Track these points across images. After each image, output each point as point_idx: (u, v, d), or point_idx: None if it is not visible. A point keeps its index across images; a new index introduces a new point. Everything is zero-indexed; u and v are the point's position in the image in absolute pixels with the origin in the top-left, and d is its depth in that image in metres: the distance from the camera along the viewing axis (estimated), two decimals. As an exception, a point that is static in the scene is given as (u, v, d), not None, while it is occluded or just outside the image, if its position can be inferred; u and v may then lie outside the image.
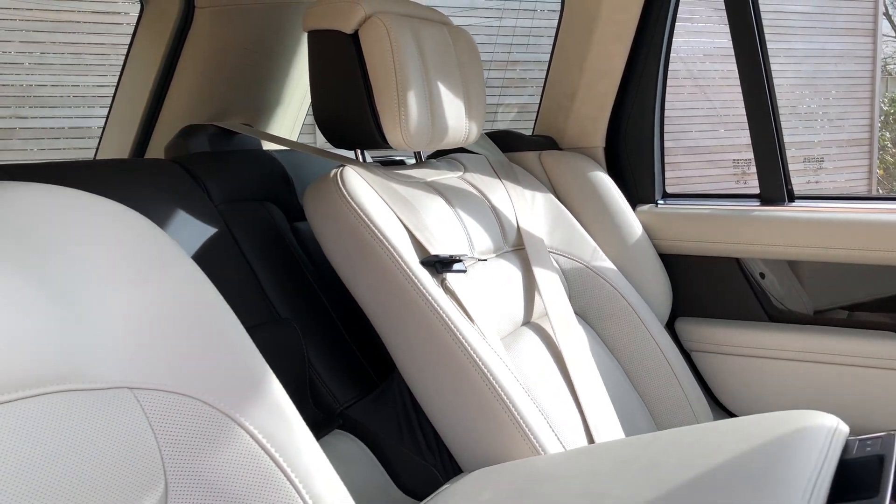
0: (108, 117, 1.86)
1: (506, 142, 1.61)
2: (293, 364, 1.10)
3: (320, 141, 4.52)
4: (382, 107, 1.18)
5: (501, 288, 1.26)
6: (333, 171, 1.14)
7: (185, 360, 0.67)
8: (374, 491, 1.08)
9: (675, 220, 1.61)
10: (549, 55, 1.72)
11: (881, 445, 0.64)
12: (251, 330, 0.74)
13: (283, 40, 1.72)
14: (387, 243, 1.06)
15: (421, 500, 0.94)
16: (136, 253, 0.70)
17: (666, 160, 1.74)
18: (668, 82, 1.68)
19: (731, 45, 1.53)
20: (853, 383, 1.44)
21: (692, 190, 5.96)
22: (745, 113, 1.55)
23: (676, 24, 1.65)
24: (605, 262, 1.48)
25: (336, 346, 1.21)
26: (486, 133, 1.59)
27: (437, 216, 1.21)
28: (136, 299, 0.67)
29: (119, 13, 4.43)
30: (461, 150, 1.52)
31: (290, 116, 1.85)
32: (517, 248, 1.37)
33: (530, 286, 1.32)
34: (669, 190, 1.71)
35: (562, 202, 1.54)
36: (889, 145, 7.60)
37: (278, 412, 0.71)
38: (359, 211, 1.07)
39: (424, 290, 1.04)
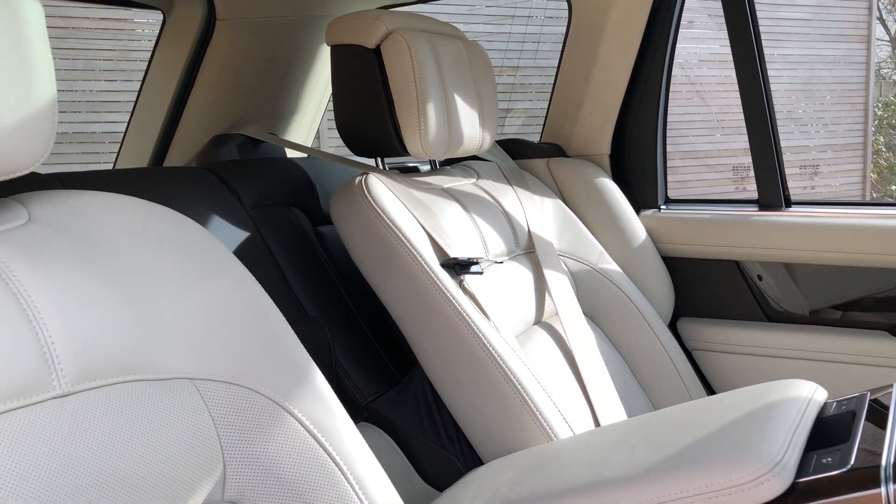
0: (128, 125, 1.93)
1: (515, 149, 1.68)
2: (321, 360, 1.17)
3: (320, 147, 4.58)
4: (403, 117, 1.25)
5: (514, 289, 1.33)
6: (358, 179, 1.21)
7: (238, 354, 0.74)
8: (398, 480, 1.15)
9: (677, 225, 1.68)
10: (545, 60, 1.79)
11: (855, 403, 0.71)
12: None
13: (301, 52, 1.79)
14: (410, 247, 1.13)
15: (442, 490, 1.01)
16: (191, 256, 0.77)
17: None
18: (666, 88, 1.75)
19: (726, 51, 1.59)
20: (847, 379, 1.51)
21: (689, 194, 6.05)
22: (740, 118, 1.62)
23: (674, 30, 1.72)
24: (610, 265, 1.55)
25: (360, 344, 1.28)
26: (496, 141, 1.66)
27: (453, 221, 1.28)
28: (195, 298, 0.73)
29: (126, 20, 4.49)
30: (474, 157, 1.59)
31: (306, 125, 1.92)
32: (528, 251, 1.44)
33: (541, 287, 1.39)
34: (669, 195, 1.79)
35: (569, 207, 1.61)
36: (883, 150, 7.68)
37: (322, 401, 0.78)
38: (384, 216, 1.15)
39: (446, 291, 1.11)
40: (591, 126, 1.74)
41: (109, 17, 4.34)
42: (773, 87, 1.62)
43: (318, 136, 4.37)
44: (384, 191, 1.19)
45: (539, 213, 1.51)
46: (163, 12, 1.82)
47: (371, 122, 1.29)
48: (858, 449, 0.64)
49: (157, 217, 0.78)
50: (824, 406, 0.74)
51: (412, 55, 1.24)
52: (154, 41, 1.84)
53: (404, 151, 1.29)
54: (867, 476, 0.60)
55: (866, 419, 0.68)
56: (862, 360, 1.49)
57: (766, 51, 1.61)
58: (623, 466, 0.69)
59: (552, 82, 1.82)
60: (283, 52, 1.77)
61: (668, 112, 1.75)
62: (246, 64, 1.77)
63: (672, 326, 1.69)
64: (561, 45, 1.77)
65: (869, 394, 0.74)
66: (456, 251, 1.20)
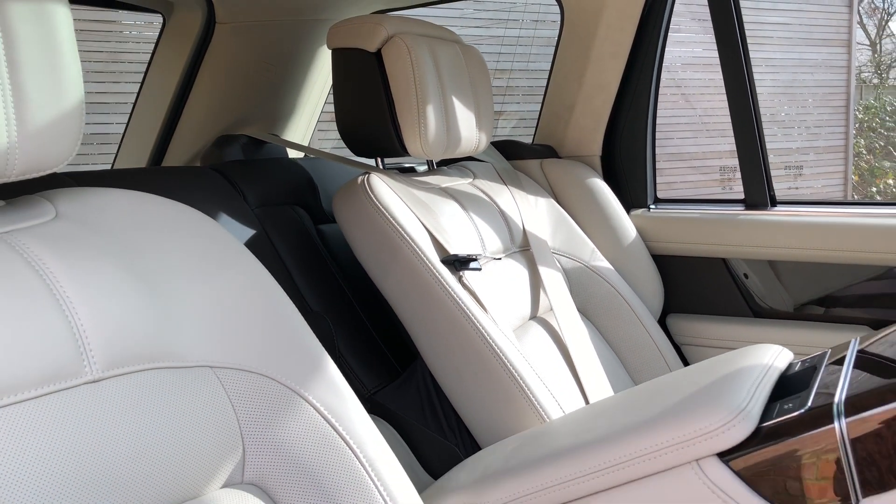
0: (127, 126, 1.96)
1: (509, 151, 1.73)
2: (326, 353, 1.20)
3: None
4: (404, 119, 1.29)
5: (511, 285, 1.37)
6: (360, 178, 1.25)
7: (255, 343, 0.78)
8: (401, 469, 1.18)
9: (666, 224, 1.74)
10: (533, 63, 1.83)
11: (816, 360, 0.77)
12: None
13: (300, 55, 1.83)
14: (412, 243, 1.17)
15: None
16: (208, 251, 0.81)
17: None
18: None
19: (709, 55, 1.65)
20: (830, 373, 1.56)
21: (674, 195, 6.12)
22: (723, 121, 1.68)
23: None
24: (602, 262, 1.60)
25: (362, 337, 1.32)
26: (491, 142, 1.71)
27: (452, 219, 1.32)
28: (213, 290, 0.77)
29: (115, 21, 4.50)
30: (469, 158, 1.64)
31: (303, 126, 1.96)
32: (523, 248, 1.48)
33: (536, 284, 1.44)
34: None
35: (562, 207, 1.66)
36: (864, 152, 7.79)
37: (334, 387, 0.81)
38: (386, 214, 1.19)
39: (447, 285, 1.16)
40: (583, 128, 1.78)
41: (98, 19, 4.35)
42: (757, 90, 1.68)
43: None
44: (386, 189, 1.23)
45: (533, 212, 1.55)
46: (163, 15, 1.85)
47: (372, 123, 1.33)
48: (815, 394, 0.69)
49: (175, 213, 0.82)
50: (789, 365, 0.80)
51: (412, 59, 1.29)
52: (141, 43, 1.87)
53: (404, 152, 1.33)
54: (821, 414, 0.65)
55: (825, 370, 0.73)
56: None
57: (749, 54, 1.66)
58: (602, 430, 0.74)
59: (538, 85, 1.87)
60: (281, 54, 1.81)
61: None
62: (245, 66, 1.80)
63: (662, 322, 1.74)
64: (544, 48, 1.82)
65: (830, 351, 0.79)
66: (455, 248, 1.25)
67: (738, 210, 1.70)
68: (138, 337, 0.68)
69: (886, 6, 11.27)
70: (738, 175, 1.69)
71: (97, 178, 1.12)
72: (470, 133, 1.41)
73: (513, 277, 1.39)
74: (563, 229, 1.59)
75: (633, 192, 1.80)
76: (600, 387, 1.32)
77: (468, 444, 1.19)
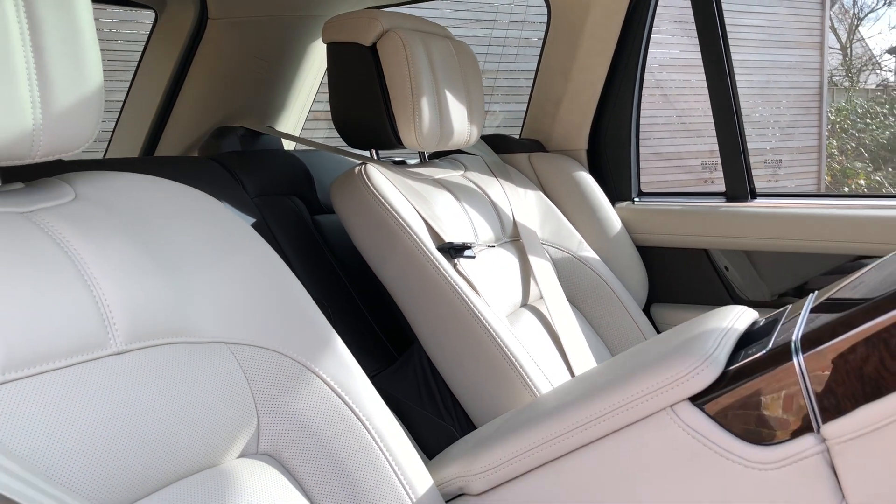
0: (118, 119, 1.97)
1: (498, 144, 1.77)
2: (324, 339, 1.23)
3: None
4: (399, 111, 1.33)
5: (502, 273, 1.41)
6: (357, 168, 1.28)
7: (266, 321, 0.81)
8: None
9: (650, 216, 1.79)
10: (512, 64, 1.88)
11: (779, 314, 0.82)
12: None
13: (291, 50, 1.86)
14: (410, 231, 1.21)
15: None
16: (220, 232, 0.84)
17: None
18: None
19: (686, 56, 1.70)
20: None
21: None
22: (699, 121, 1.74)
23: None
24: (589, 253, 1.64)
25: (359, 324, 1.35)
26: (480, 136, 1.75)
27: (446, 208, 1.36)
28: (226, 271, 0.80)
29: (97, 19, 4.48)
30: (458, 151, 1.68)
31: (294, 119, 1.99)
32: (514, 238, 1.53)
33: (526, 273, 1.48)
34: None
35: (550, 199, 1.70)
36: (836, 153, 7.95)
37: (343, 363, 0.85)
38: (384, 203, 1.22)
39: (444, 271, 1.20)
40: (570, 123, 1.83)
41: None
42: (737, 87, 1.74)
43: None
44: (383, 179, 1.27)
45: (523, 203, 1.60)
46: (155, 11, 1.87)
47: (367, 115, 1.36)
48: (776, 338, 0.75)
49: (188, 197, 0.85)
50: (754, 322, 0.86)
51: (407, 53, 1.32)
52: (119, 41, 1.89)
53: (399, 143, 1.37)
54: (781, 352, 0.70)
55: (784, 320, 0.79)
56: None
57: (731, 53, 1.72)
58: (584, 390, 0.79)
59: (518, 85, 1.91)
60: (273, 49, 1.84)
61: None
62: (237, 61, 1.83)
63: (646, 311, 1.79)
64: (523, 49, 1.87)
65: (790, 307, 0.84)
66: (450, 236, 1.28)
67: (720, 202, 1.76)
68: (158, 313, 0.71)
69: (856, 11, 11.50)
70: (712, 174, 1.74)
71: (101, 165, 1.14)
72: (462, 126, 1.45)
73: (504, 266, 1.43)
74: (551, 220, 1.64)
75: (618, 185, 1.85)
76: (587, 369, 1.36)
77: (464, 425, 1.23)
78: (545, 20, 1.82)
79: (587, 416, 0.75)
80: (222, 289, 0.79)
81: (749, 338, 0.79)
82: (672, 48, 6.45)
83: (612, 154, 1.85)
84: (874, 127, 7.82)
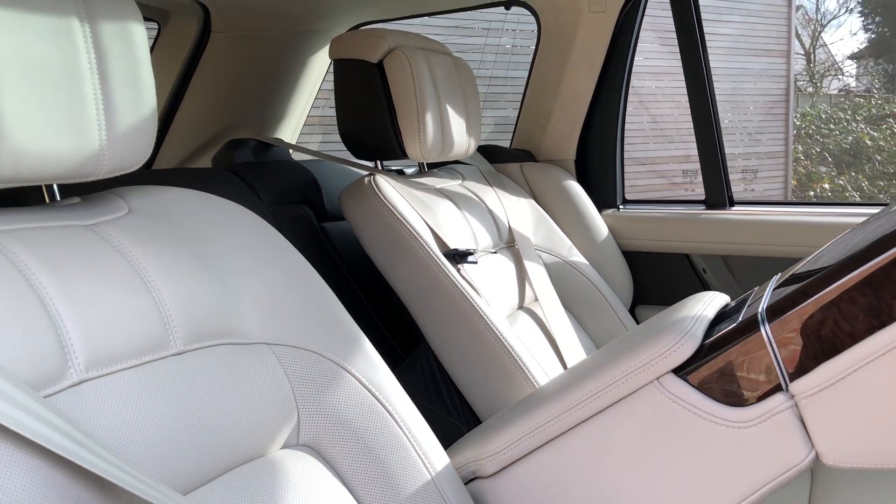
0: (119, 128, 2.01)
1: (491, 154, 1.85)
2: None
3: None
4: (404, 125, 1.41)
5: (501, 278, 1.50)
6: (367, 179, 1.36)
7: (303, 323, 0.88)
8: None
9: (635, 222, 1.89)
10: (488, 70, 1.95)
11: (747, 295, 0.92)
12: None
13: (291, 62, 1.92)
14: (420, 239, 1.29)
15: None
16: (259, 242, 0.91)
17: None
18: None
19: (663, 64, 1.80)
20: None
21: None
22: (671, 127, 1.84)
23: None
24: (578, 258, 1.74)
25: (367, 327, 1.42)
26: (474, 147, 1.83)
27: (448, 217, 1.44)
28: (266, 278, 0.88)
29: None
30: (455, 161, 1.76)
31: (291, 129, 2.06)
32: (510, 244, 1.61)
33: (522, 277, 1.57)
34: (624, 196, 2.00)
35: (541, 206, 1.79)
36: (801, 157, 8.16)
37: (371, 361, 0.92)
38: (395, 212, 1.30)
39: (451, 276, 1.28)
40: (559, 133, 1.93)
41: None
42: (717, 100, 1.84)
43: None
44: (391, 189, 1.35)
45: (517, 211, 1.68)
46: (158, 24, 1.92)
47: (373, 128, 1.44)
48: (745, 312, 0.84)
49: (229, 210, 0.92)
50: (726, 304, 0.95)
51: (413, 70, 1.40)
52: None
53: (403, 155, 1.44)
54: (749, 323, 0.80)
55: (752, 299, 0.89)
56: None
57: (711, 68, 1.82)
58: (578, 375, 0.88)
59: (500, 92, 2.01)
60: (273, 62, 1.90)
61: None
62: (238, 73, 1.89)
63: (631, 312, 1.89)
64: (501, 57, 1.96)
65: (757, 288, 0.94)
66: (454, 243, 1.37)
67: (700, 210, 1.86)
68: (209, 316, 0.78)
69: (819, 17, 11.79)
70: (681, 180, 1.85)
71: (129, 178, 1.20)
72: (462, 138, 1.53)
73: (502, 271, 1.52)
74: (543, 227, 1.72)
75: (604, 192, 1.95)
76: (583, 369, 1.46)
77: (470, 421, 1.31)
78: (519, 26, 1.91)
79: (583, 394, 0.84)
80: (263, 294, 0.86)
81: (722, 316, 0.89)
82: (646, 56, 6.59)
83: (598, 164, 1.95)
84: (837, 132, 8.03)
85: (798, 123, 8.29)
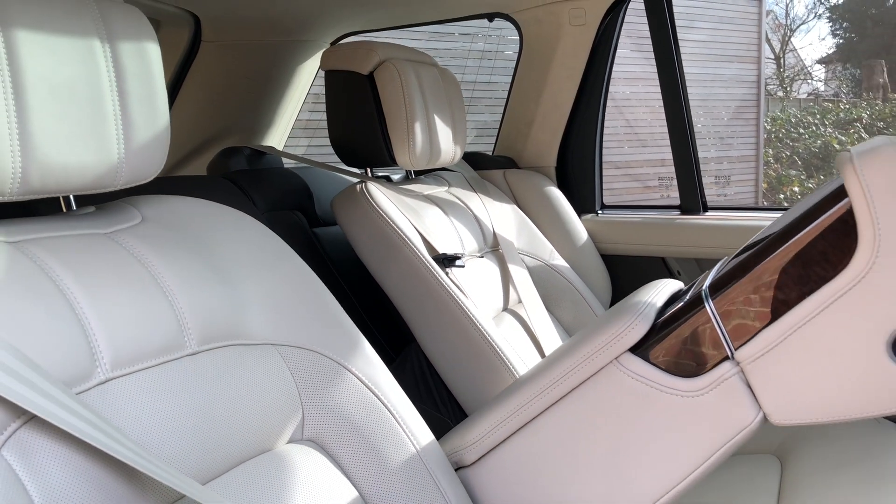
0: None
1: (475, 161, 1.92)
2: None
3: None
4: (394, 134, 1.47)
5: (486, 280, 1.56)
6: (359, 186, 1.41)
7: (306, 325, 0.93)
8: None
9: (613, 227, 1.96)
10: (461, 75, 2.00)
11: (697, 279, 0.99)
12: None
13: (280, 71, 1.97)
14: (410, 243, 1.35)
15: None
16: (263, 248, 0.96)
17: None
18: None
19: (634, 70, 1.87)
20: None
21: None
22: (647, 133, 1.92)
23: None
24: (559, 261, 1.80)
25: (359, 327, 1.47)
26: (458, 154, 1.89)
27: (436, 222, 1.50)
28: (270, 282, 0.93)
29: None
30: (441, 168, 1.82)
31: (279, 135, 2.11)
32: (494, 249, 1.67)
33: (506, 280, 1.63)
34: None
35: (523, 212, 1.86)
36: (772, 161, 8.32)
37: (370, 360, 0.97)
38: (386, 218, 1.36)
39: (440, 279, 1.34)
40: (541, 142, 2.00)
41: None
42: (691, 111, 1.92)
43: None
44: (382, 196, 1.40)
45: (500, 216, 1.75)
46: (148, 32, 1.95)
47: (364, 137, 1.49)
48: (692, 291, 0.92)
49: (234, 218, 0.97)
50: (679, 289, 1.03)
51: (402, 81, 1.46)
52: None
53: (393, 162, 1.50)
54: (695, 300, 0.87)
55: (700, 280, 0.97)
56: None
57: (686, 80, 1.90)
58: (547, 362, 0.96)
59: (479, 97, 2.07)
60: (262, 71, 1.95)
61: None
62: (227, 81, 1.94)
63: (610, 314, 1.95)
64: (477, 63, 2.02)
65: (707, 273, 1.02)
66: (442, 247, 1.43)
67: (675, 215, 1.94)
68: (220, 318, 0.83)
69: (789, 22, 12.01)
70: (656, 184, 1.93)
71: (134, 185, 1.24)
72: (448, 146, 1.59)
73: (488, 274, 1.58)
74: (525, 232, 1.79)
75: (584, 198, 2.02)
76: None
77: (459, 417, 1.37)
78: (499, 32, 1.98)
79: (550, 379, 0.91)
80: (268, 297, 0.91)
81: (674, 298, 0.96)
82: (619, 63, 6.67)
83: (578, 171, 2.02)
84: (807, 136, 8.20)
85: (769, 128, 8.44)
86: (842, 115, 8.43)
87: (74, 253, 0.75)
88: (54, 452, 0.62)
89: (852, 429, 1.36)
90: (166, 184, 1.29)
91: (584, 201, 2.01)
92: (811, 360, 0.81)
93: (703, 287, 0.88)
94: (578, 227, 1.92)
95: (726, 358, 0.84)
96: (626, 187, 6.73)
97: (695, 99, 7.25)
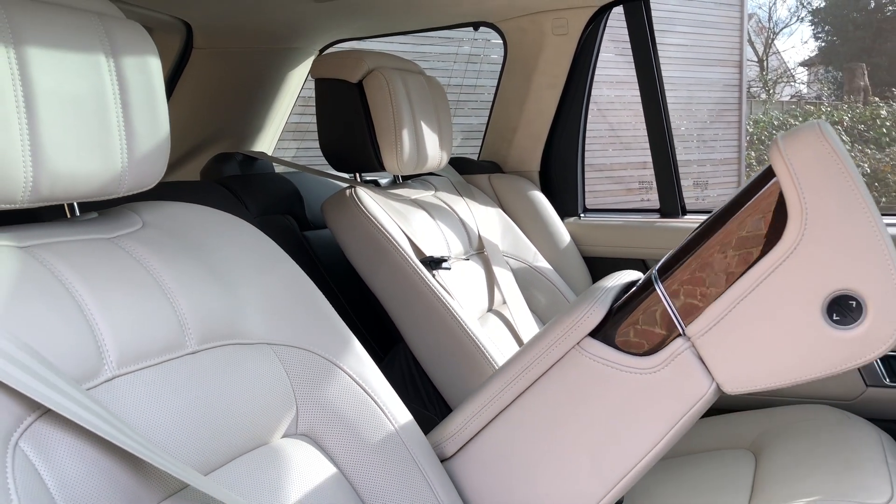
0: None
1: (462, 166, 1.97)
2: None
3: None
4: (382, 140, 1.51)
5: (472, 282, 1.61)
6: (348, 191, 1.46)
7: (299, 325, 0.97)
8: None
9: (595, 230, 2.02)
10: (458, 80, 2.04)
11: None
12: None
13: (270, 78, 2.01)
14: (398, 246, 1.40)
15: None
16: (258, 251, 1.00)
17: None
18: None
19: (616, 74, 1.93)
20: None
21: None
22: (630, 136, 1.98)
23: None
24: (543, 263, 1.86)
25: (348, 328, 1.52)
26: (444, 159, 1.94)
27: (423, 225, 1.55)
28: (265, 284, 0.97)
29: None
30: (428, 173, 1.86)
31: (269, 139, 2.15)
32: (479, 251, 1.72)
33: (491, 282, 1.68)
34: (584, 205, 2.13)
35: (508, 215, 1.91)
36: (754, 163, 8.42)
37: (360, 358, 1.02)
38: (375, 221, 1.41)
39: (427, 281, 1.39)
40: (524, 147, 2.05)
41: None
42: (670, 118, 1.98)
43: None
44: (371, 200, 1.45)
45: (486, 219, 1.80)
46: (139, 38, 1.98)
47: (353, 143, 1.54)
48: (645, 275, 0.98)
49: (230, 223, 1.01)
50: (638, 278, 1.08)
51: (390, 89, 1.51)
52: None
53: (381, 168, 1.55)
54: (646, 284, 0.94)
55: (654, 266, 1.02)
56: None
57: (665, 86, 1.96)
58: (515, 355, 1.01)
59: (464, 100, 2.12)
60: (252, 77, 1.99)
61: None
62: (218, 87, 1.97)
63: (592, 315, 2.01)
64: (460, 66, 2.07)
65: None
66: (429, 250, 1.47)
67: (655, 218, 2.00)
68: (218, 319, 0.87)
69: (771, 26, 12.14)
70: (637, 187, 1.98)
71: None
72: (435, 152, 1.64)
73: (473, 276, 1.63)
74: (510, 235, 1.84)
75: (566, 202, 2.07)
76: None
77: (445, 414, 1.42)
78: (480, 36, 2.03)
79: (518, 369, 0.97)
80: (264, 299, 0.95)
81: (630, 285, 1.02)
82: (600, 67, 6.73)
83: (561, 175, 2.08)
84: (788, 139, 8.27)
85: (751, 130, 8.54)
86: (823, 117, 8.54)
87: (81, 257, 0.79)
88: (67, 444, 0.66)
89: (822, 424, 1.42)
90: (163, 189, 1.33)
91: (567, 205, 2.07)
92: (755, 330, 0.87)
93: (654, 271, 0.94)
94: (561, 230, 1.97)
95: (678, 335, 0.90)
96: (607, 189, 6.80)
97: (677, 102, 7.33)
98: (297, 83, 2.11)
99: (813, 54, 12.37)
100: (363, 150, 1.53)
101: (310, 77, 1.96)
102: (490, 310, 1.65)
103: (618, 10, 1.94)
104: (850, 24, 11.33)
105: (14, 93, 0.71)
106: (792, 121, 8.55)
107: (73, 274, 0.76)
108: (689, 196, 7.62)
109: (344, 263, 1.48)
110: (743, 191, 0.90)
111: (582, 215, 2.08)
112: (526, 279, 1.80)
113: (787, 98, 11.45)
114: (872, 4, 11.21)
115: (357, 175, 1.61)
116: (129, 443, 0.67)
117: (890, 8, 10.97)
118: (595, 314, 0.93)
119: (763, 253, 0.86)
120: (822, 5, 11.91)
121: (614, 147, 6.80)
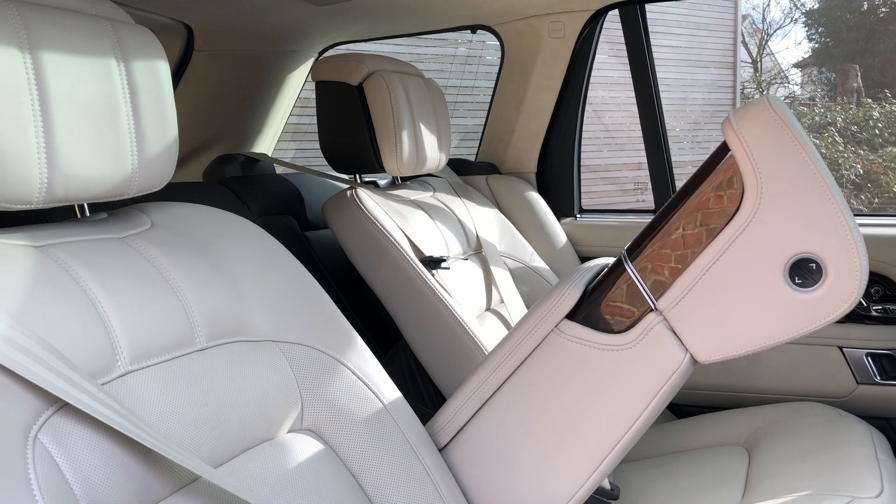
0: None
1: (459, 167, 1.99)
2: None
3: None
4: (382, 142, 1.54)
5: (470, 282, 1.63)
6: (349, 192, 1.48)
7: (304, 323, 1.00)
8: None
9: (591, 230, 2.05)
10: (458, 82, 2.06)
11: None
12: None
13: (270, 80, 2.03)
14: (399, 246, 1.42)
15: None
16: (262, 251, 1.03)
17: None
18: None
19: (612, 75, 1.96)
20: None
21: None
22: (622, 139, 2.01)
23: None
24: (540, 263, 1.88)
25: (349, 326, 1.55)
26: (443, 160, 1.96)
27: (422, 226, 1.57)
28: (270, 282, 0.99)
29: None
30: (426, 174, 1.89)
31: (268, 141, 2.17)
32: (477, 251, 1.75)
33: (489, 281, 1.70)
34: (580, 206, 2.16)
35: (505, 216, 1.93)
36: (748, 164, 8.43)
37: (363, 355, 1.04)
38: (375, 221, 1.43)
39: (427, 280, 1.41)
40: (521, 149, 2.08)
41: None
42: (664, 117, 2.01)
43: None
44: (371, 201, 1.47)
45: (483, 220, 1.82)
46: (141, 41, 2.00)
47: (353, 145, 1.56)
48: (616, 258, 1.02)
49: (236, 223, 1.04)
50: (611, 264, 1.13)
51: (390, 92, 1.53)
52: None
53: (381, 169, 1.57)
54: (617, 264, 0.97)
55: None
56: None
57: (659, 87, 1.99)
58: (498, 344, 1.04)
59: (461, 101, 2.15)
60: (252, 79, 2.01)
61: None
62: (218, 89, 1.99)
63: (588, 314, 2.03)
64: (461, 68, 2.09)
65: None
66: (428, 250, 1.50)
67: (649, 219, 2.01)
68: (225, 317, 0.89)
69: (765, 27, 12.20)
70: (633, 188, 2.01)
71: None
72: (434, 153, 1.66)
73: (471, 275, 1.65)
74: (507, 235, 1.87)
75: (563, 203, 2.10)
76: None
77: (444, 411, 1.44)
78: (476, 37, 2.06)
79: (500, 357, 1.00)
80: (268, 297, 0.97)
81: (604, 268, 1.05)
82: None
83: (557, 176, 2.10)
84: (782, 140, 8.32)
85: (745, 132, 8.55)
86: (817, 118, 8.58)
87: (94, 256, 0.81)
88: (84, 437, 0.68)
89: (815, 421, 1.45)
90: (168, 190, 1.35)
91: (564, 205, 2.10)
92: (722, 299, 0.90)
93: (624, 251, 0.97)
94: (558, 230, 2.00)
95: (650, 310, 0.93)
96: (603, 190, 6.84)
97: (672, 103, 7.37)
98: (296, 85, 2.14)
99: (806, 56, 12.41)
100: (363, 151, 1.55)
101: (309, 79, 1.98)
102: (488, 309, 1.68)
103: (613, 13, 1.97)
104: (844, 25, 11.38)
105: (30, 97, 0.73)
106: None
107: (87, 272, 0.78)
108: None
109: (344, 263, 1.50)
110: (701, 168, 0.94)
111: (578, 216, 2.11)
112: (523, 279, 1.83)
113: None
114: (865, 6, 11.27)
115: (357, 176, 1.63)
116: (143, 436, 0.69)
117: (883, 10, 11.04)
118: (570, 297, 0.97)
119: (723, 224, 0.89)
120: (815, 7, 11.97)
121: (609, 148, 6.83)
